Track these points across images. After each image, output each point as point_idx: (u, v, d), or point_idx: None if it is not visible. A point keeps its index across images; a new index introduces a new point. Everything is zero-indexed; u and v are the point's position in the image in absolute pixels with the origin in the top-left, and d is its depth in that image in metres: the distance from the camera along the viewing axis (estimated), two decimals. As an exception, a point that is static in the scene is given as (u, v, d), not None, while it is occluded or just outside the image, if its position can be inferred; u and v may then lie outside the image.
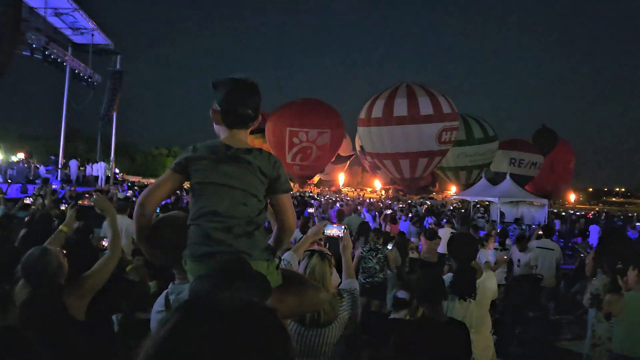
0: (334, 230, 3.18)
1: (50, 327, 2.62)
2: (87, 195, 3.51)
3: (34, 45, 18.59)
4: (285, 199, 2.23)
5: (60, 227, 3.62)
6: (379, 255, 7.06)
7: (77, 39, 23.20)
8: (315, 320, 2.92)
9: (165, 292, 2.19)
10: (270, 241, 2.26)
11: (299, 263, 3.06)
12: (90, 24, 21.78)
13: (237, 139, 2.16)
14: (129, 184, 25.35)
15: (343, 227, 3.19)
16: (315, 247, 3.14)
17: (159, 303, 2.18)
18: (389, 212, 15.64)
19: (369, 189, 64.06)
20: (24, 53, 20.31)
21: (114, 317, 3.84)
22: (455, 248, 3.56)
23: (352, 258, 7.89)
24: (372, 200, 34.46)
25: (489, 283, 3.56)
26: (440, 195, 49.57)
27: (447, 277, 3.43)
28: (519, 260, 7.81)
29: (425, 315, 2.98)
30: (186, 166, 2.10)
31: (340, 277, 3.32)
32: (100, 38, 23.25)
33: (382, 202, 28.51)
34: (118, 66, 24.80)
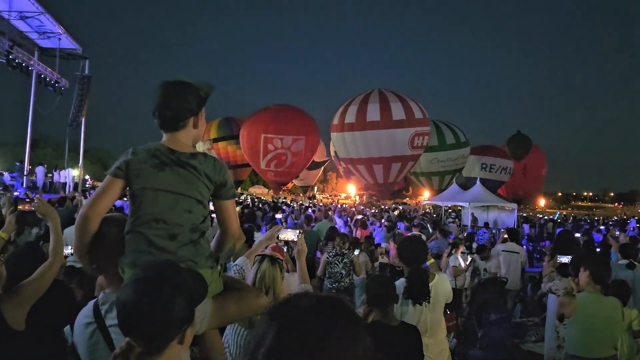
0: (288, 235, 3.15)
1: None
2: (27, 200, 3.36)
3: (-3, 49, 18.12)
4: (230, 205, 2.18)
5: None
6: (345, 260, 7.02)
7: (44, 43, 22.69)
8: None
9: (92, 302, 2.03)
10: (212, 244, 2.22)
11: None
12: (57, 28, 21.32)
13: (180, 142, 2.09)
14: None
15: (298, 231, 3.16)
16: (267, 251, 3.10)
17: (86, 315, 1.99)
18: (359, 217, 15.71)
19: (343, 195, 64.27)
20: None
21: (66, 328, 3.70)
22: (406, 252, 3.54)
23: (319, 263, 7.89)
24: (345, 206, 34.55)
25: (442, 286, 3.55)
26: (413, 201, 50.05)
27: (400, 282, 3.41)
28: (485, 270, 7.91)
29: (375, 319, 2.95)
30: (126, 170, 2.00)
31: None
32: (67, 42, 22.77)
33: (355, 208, 28.62)
34: (87, 71, 24.32)
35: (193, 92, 2.09)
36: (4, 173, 22.02)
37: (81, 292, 4.32)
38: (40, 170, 22.39)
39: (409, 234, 10.22)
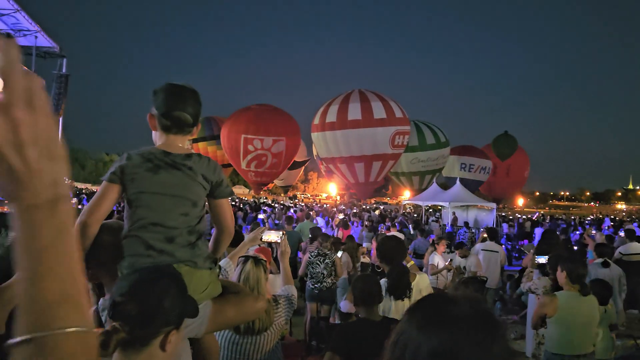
0: (271, 236, 3.15)
1: None
2: (6, 202, 3.29)
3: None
4: (226, 203, 2.20)
5: None
6: (327, 261, 7.04)
7: (20, 41, 22.27)
8: (249, 328, 2.87)
9: (92, 309, 2.05)
10: (210, 244, 2.23)
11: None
12: (34, 26, 20.98)
13: (175, 146, 2.09)
14: (77, 191, 24.49)
15: (281, 232, 3.16)
16: (251, 253, 3.10)
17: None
18: (341, 217, 15.74)
19: (324, 195, 64.40)
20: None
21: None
22: (385, 252, 3.58)
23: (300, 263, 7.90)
24: (326, 205, 34.62)
25: (422, 283, 3.61)
26: (394, 200, 50.39)
27: (382, 282, 3.45)
28: (464, 267, 8.01)
29: (361, 317, 3.00)
30: (121, 175, 2.00)
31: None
32: (44, 40, 22.46)
33: (336, 208, 28.68)
34: (64, 70, 23.97)
35: (200, 101, 2.14)
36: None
37: None
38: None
39: (388, 233, 10.28)
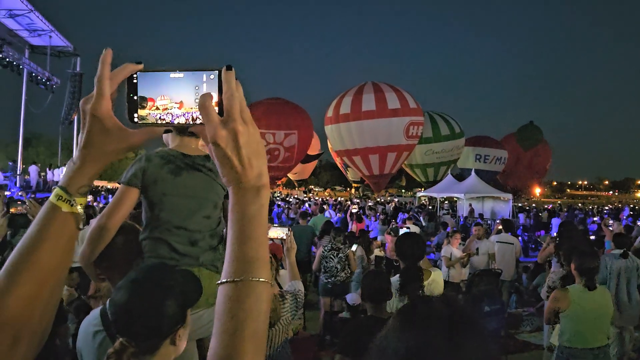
0: (277, 232, 3.14)
1: None
2: (19, 202, 3.37)
3: (-14, 49, 17.99)
4: None
5: None
6: (340, 255, 7.01)
7: (34, 40, 22.57)
8: None
9: (99, 309, 2.00)
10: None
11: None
12: (48, 26, 21.17)
13: (191, 147, 2.11)
14: (94, 189, 24.72)
15: (287, 229, 3.15)
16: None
17: (94, 323, 1.89)
18: (355, 210, 15.70)
19: (338, 188, 64.33)
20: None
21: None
22: (403, 248, 3.54)
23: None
24: (341, 199, 34.56)
25: (437, 283, 3.57)
26: (409, 193, 50.13)
27: (395, 278, 3.42)
28: (477, 249, 7.97)
29: (369, 314, 2.97)
30: (143, 178, 2.01)
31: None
32: (58, 40, 22.65)
33: (350, 201, 28.62)
34: (78, 68, 24.17)
35: None
36: (-3, 172, 21.86)
37: (76, 293, 4.31)
38: (33, 169, 22.24)
39: (403, 228, 10.22)
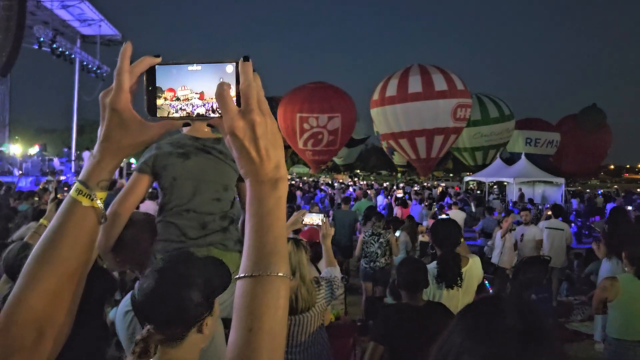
0: (313, 219, 3.10)
1: None
2: (66, 189, 3.44)
3: (40, 39, 18.67)
4: None
5: (41, 220, 3.54)
6: (381, 240, 6.93)
7: (85, 30, 23.31)
8: (292, 307, 2.83)
9: (132, 292, 2.09)
10: (239, 227, 2.23)
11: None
12: (97, 15, 21.82)
13: (201, 130, 2.11)
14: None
15: (322, 215, 3.11)
16: (290, 234, 3.05)
17: (126, 304, 2.03)
18: (399, 195, 15.51)
19: (384, 173, 63.90)
20: (33, 47, 20.48)
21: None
22: (439, 235, 3.42)
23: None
24: (386, 184, 34.29)
25: (476, 270, 3.43)
26: (456, 177, 49.22)
27: (432, 265, 3.31)
28: (522, 235, 7.75)
29: (404, 302, 2.90)
30: (153, 165, 2.05)
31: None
32: (107, 29, 23.32)
33: (396, 186, 28.33)
34: (127, 56, 24.85)
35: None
36: (54, 159, 22.84)
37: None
38: (87, 155, 23.00)
39: (443, 216, 10.04)
